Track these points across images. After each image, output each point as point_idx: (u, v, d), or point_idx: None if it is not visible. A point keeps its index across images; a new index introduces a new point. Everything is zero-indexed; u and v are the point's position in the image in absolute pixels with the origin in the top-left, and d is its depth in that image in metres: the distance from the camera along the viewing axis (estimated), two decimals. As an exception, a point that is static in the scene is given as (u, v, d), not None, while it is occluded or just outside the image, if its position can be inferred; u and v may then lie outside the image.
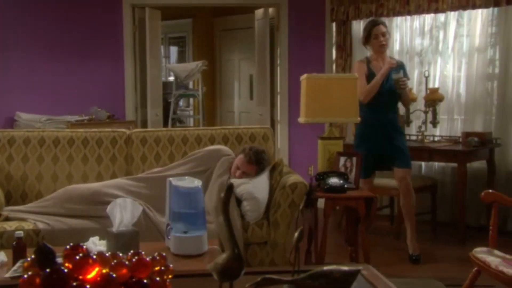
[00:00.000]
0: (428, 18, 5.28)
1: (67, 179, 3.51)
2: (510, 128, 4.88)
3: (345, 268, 1.13)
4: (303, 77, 3.70)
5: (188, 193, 2.52)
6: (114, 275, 0.97)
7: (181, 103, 9.28)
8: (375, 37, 4.07)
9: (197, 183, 2.55)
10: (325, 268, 1.13)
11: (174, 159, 3.61)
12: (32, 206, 3.25)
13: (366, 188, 3.98)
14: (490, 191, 2.87)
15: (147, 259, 1.05)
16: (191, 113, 9.65)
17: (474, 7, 4.84)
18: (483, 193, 2.86)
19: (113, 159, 3.62)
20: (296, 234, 1.25)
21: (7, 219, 3.11)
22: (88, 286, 0.96)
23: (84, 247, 1.12)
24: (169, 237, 2.58)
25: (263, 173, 3.42)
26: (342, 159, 3.62)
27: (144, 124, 6.30)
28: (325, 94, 3.59)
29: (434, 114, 4.90)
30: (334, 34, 5.90)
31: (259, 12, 6.61)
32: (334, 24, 5.88)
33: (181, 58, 10.05)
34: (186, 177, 2.63)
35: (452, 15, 5.13)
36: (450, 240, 4.68)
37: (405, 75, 4.17)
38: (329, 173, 3.50)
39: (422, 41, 5.37)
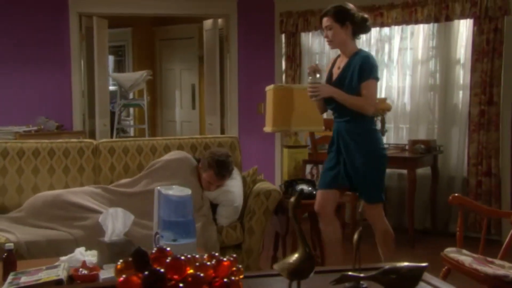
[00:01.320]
0: (374, 31, 5.57)
1: (33, 191, 3.42)
2: (451, 136, 5.24)
3: (411, 264, 1.25)
4: (270, 87, 3.82)
5: (178, 201, 2.55)
6: (202, 275, 1.03)
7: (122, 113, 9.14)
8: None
9: (186, 191, 2.59)
10: (394, 265, 1.23)
11: (143, 168, 3.60)
12: (3, 217, 3.17)
13: (317, 200, 3.29)
14: (456, 194, 3.11)
15: (225, 260, 1.11)
16: (131, 122, 9.54)
17: (417, 22, 5.18)
18: (450, 197, 3.08)
19: (81, 169, 3.56)
20: (356, 235, 1.35)
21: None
22: (181, 285, 1.01)
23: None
24: (157, 245, 2.59)
25: (235, 176, 3.48)
26: (308, 167, 3.77)
27: (92, 135, 6.18)
28: (291, 103, 3.73)
29: (383, 123, 5.19)
30: (283, 45, 6.08)
31: (207, 23, 6.68)
32: (283, 36, 6.06)
33: (120, 68, 9.90)
34: (174, 186, 2.66)
35: (396, 30, 5.45)
36: (400, 243, 4.93)
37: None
38: (298, 180, 3.63)
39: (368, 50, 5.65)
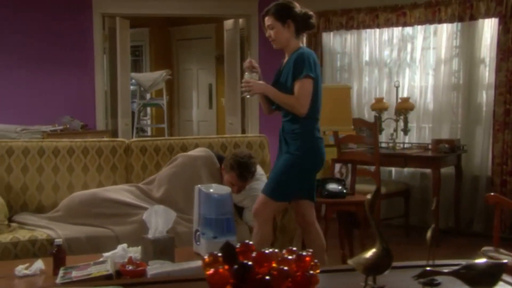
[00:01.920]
0: (396, 31, 5.59)
1: (68, 189, 3.48)
2: (474, 135, 5.24)
3: (491, 261, 1.28)
4: (299, 87, 3.84)
5: (218, 199, 2.59)
6: (286, 269, 1.07)
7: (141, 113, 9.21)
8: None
9: (226, 190, 2.64)
10: (473, 262, 1.27)
11: (174, 167, 3.64)
12: (42, 216, 3.23)
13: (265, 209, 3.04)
14: (492, 194, 3.12)
15: (305, 255, 1.15)
16: (148, 122, 9.61)
17: (440, 21, 5.19)
18: (486, 196, 3.08)
19: (114, 168, 3.61)
20: (428, 233, 1.38)
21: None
22: (267, 277, 1.05)
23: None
24: (198, 242, 2.64)
25: (259, 177, 3.50)
26: (337, 166, 3.79)
27: (115, 134, 6.24)
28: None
29: (405, 122, 5.21)
30: (304, 45, 6.08)
31: (228, 23, 6.72)
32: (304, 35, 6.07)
33: (137, 68, 9.98)
34: (213, 184, 2.70)
35: (419, 29, 5.46)
36: (423, 242, 4.95)
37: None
38: (327, 179, 3.66)
39: (390, 52, 5.67)
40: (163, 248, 2.45)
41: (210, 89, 9.59)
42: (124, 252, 2.52)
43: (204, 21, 8.50)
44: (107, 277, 2.18)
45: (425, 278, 1.27)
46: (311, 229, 3.11)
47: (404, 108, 5.17)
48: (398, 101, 5.28)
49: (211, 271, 1.05)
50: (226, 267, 1.07)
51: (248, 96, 3.14)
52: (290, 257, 1.12)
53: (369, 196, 1.34)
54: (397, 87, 5.32)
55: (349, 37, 5.91)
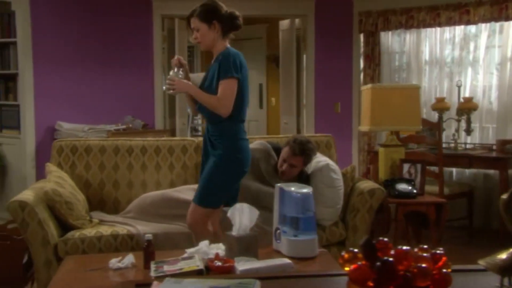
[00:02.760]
0: (458, 29, 5.49)
1: (141, 187, 3.57)
2: (542, 136, 5.10)
3: None
4: (367, 87, 3.84)
5: (299, 198, 2.61)
6: (426, 266, 1.08)
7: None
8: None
9: (307, 188, 2.66)
10: None
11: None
12: (116, 215, 3.35)
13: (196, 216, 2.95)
14: None
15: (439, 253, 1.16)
16: (199, 122, 9.73)
17: (507, 19, 5.06)
18: None
19: (185, 167, 3.68)
20: None
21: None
22: (408, 274, 1.06)
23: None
24: (278, 240, 2.67)
25: (329, 174, 3.46)
26: (405, 166, 3.76)
27: (173, 133, 6.36)
28: (389, 103, 3.74)
29: (468, 122, 5.11)
30: (362, 44, 6.07)
31: (284, 23, 6.74)
32: (362, 35, 6.05)
33: (189, 68, 10.08)
34: (293, 183, 2.73)
35: (483, 27, 5.34)
36: (488, 244, 4.85)
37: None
38: (397, 180, 3.63)
39: (452, 51, 5.57)
40: (247, 245, 2.49)
41: (261, 89, 9.64)
42: (207, 249, 2.56)
43: (255, 21, 8.54)
44: (198, 273, 2.23)
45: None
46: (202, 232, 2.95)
47: (468, 108, 5.07)
48: (460, 100, 5.18)
49: (353, 266, 1.08)
50: (365, 263, 1.08)
51: (171, 93, 3.04)
52: (425, 254, 1.13)
53: (504, 196, 1.33)
54: (459, 87, 5.22)
55: (408, 36, 5.84)
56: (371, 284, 1.08)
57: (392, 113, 3.72)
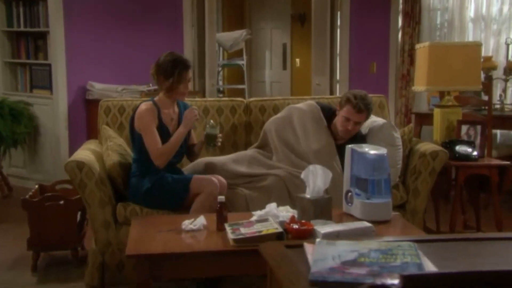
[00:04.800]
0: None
1: (191, 148, 3.43)
2: None
3: None
4: (424, 44, 3.64)
5: (373, 159, 2.48)
6: None
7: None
8: (180, 82, 3.17)
9: (382, 150, 2.52)
10: None
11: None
12: None
13: None
14: None
15: None
16: (221, 83, 9.54)
17: None
18: None
19: (233, 127, 3.55)
20: None
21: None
22: None
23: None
24: (349, 204, 2.55)
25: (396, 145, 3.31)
26: (464, 128, 3.60)
27: (202, 94, 6.19)
28: (447, 62, 3.55)
29: (515, 81, 4.91)
30: (400, 1, 5.82)
31: (317, -21, 6.46)
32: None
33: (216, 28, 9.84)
34: (366, 144, 2.58)
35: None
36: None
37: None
38: (456, 141, 3.48)
39: (500, 7, 5.31)
40: (322, 208, 2.37)
41: (285, 49, 9.39)
42: (276, 211, 2.45)
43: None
44: (279, 236, 2.12)
45: None
46: None
47: (515, 67, 4.87)
48: (509, 59, 4.97)
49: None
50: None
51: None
52: None
53: None
54: (508, 45, 5.00)
55: (452, -7, 5.59)
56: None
57: (450, 73, 3.54)
